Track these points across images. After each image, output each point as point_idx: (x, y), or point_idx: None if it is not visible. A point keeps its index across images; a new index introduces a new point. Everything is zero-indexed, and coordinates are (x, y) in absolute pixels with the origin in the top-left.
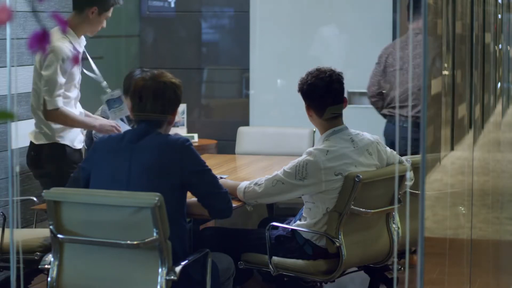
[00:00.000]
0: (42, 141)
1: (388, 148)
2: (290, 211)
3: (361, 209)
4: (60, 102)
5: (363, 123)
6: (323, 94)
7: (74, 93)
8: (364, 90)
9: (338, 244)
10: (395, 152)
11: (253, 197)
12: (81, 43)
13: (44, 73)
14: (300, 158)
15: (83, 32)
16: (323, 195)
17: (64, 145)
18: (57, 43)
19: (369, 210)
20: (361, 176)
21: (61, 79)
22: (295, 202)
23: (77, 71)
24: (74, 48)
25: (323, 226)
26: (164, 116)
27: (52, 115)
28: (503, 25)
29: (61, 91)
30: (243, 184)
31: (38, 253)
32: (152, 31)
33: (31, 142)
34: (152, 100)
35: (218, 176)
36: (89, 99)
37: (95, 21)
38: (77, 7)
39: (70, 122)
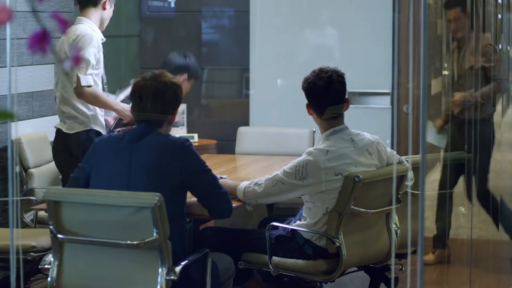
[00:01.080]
0: (78, 129)
1: (388, 148)
2: (290, 211)
3: (361, 209)
4: (92, 80)
5: (363, 123)
6: (322, 93)
7: (100, 81)
8: (364, 90)
9: (338, 244)
10: (395, 152)
11: (253, 197)
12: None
13: None
14: (300, 158)
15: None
16: (323, 195)
17: (99, 132)
18: (88, 31)
19: (369, 210)
20: (361, 176)
21: (93, 60)
22: (295, 202)
23: (101, 60)
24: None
25: (323, 226)
26: (164, 116)
27: (85, 92)
28: (503, 25)
29: (93, 71)
30: (243, 184)
31: (32, 254)
32: (152, 31)
33: (61, 134)
34: (152, 100)
35: (218, 176)
36: None
37: (108, 12)
38: (92, 1)
39: (99, 101)
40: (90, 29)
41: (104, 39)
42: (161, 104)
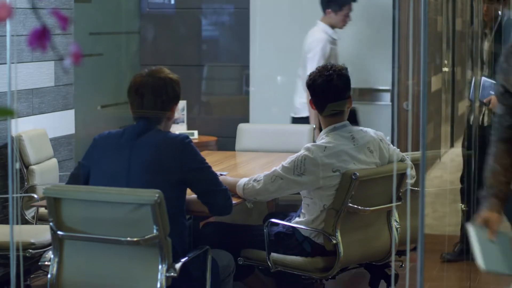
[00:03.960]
0: (302, 114)
1: (391, 146)
2: (291, 208)
3: (358, 206)
4: None
5: (363, 120)
6: (322, 90)
7: None
8: (364, 87)
9: (334, 242)
10: (398, 150)
11: (252, 193)
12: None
13: (309, 56)
14: (298, 154)
15: (335, 26)
16: (321, 191)
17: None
18: (319, 35)
19: (366, 208)
20: (358, 174)
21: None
22: (296, 198)
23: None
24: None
25: (321, 223)
26: (163, 113)
27: None
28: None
29: None
30: (242, 181)
31: (30, 251)
32: (152, 28)
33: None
34: (150, 96)
35: (218, 173)
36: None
37: (337, 17)
38: (336, 7)
39: None
40: (322, 32)
41: (336, 38)
42: (160, 101)
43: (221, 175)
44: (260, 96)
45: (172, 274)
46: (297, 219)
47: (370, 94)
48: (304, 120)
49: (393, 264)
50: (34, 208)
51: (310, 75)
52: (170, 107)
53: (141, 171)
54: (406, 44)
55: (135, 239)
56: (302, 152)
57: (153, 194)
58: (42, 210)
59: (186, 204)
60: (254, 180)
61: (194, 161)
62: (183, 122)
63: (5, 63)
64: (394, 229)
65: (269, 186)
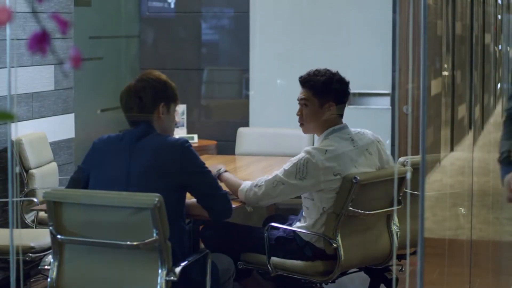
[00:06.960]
0: None
1: (386, 151)
2: (291, 212)
3: (358, 210)
4: None
5: (362, 124)
6: (342, 91)
7: None
8: (364, 91)
9: (335, 246)
10: (391, 157)
11: (254, 199)
12: None
13: None
14: (299, 157)
15: None
16: (321, 193)
17: None
18: None
19: (367, 212)
20: (358, 178)
21: None
22: (296, 202)
23: None
24: None
25: (321, 227)
26: (148, 114)
27: None
28: (503, 26)
29: None
30: (245, 186)
31: (30, 254)
32: (152, 32)
33: None
34: (132, 98)
35: (216, 168)
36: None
37: None
38: None
39: None
40: None
41: None
42: (142, 102)
43: (220, 170)
44: (260, 100)
45: (172, 278)
46: (297, 223)
47: (369, 98)
48: None
49: (394, 268)
50: (34, 212)
51: (326, 74)
52: (155, 107)
53: (141, 175)
54: (406, 47)
55: (135, 243)
56: (303, 155)
57: (152, 198)
58: (42, 214)
59: (186, 208)
60: (255, 186)
61: (194, 165)
62: (183, 126)
63: (5, 67)
64: (394, 233)
65: (271, 192)
